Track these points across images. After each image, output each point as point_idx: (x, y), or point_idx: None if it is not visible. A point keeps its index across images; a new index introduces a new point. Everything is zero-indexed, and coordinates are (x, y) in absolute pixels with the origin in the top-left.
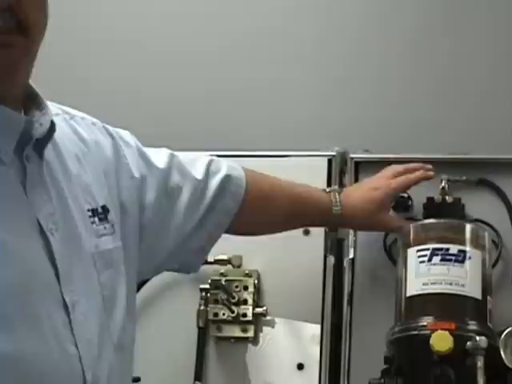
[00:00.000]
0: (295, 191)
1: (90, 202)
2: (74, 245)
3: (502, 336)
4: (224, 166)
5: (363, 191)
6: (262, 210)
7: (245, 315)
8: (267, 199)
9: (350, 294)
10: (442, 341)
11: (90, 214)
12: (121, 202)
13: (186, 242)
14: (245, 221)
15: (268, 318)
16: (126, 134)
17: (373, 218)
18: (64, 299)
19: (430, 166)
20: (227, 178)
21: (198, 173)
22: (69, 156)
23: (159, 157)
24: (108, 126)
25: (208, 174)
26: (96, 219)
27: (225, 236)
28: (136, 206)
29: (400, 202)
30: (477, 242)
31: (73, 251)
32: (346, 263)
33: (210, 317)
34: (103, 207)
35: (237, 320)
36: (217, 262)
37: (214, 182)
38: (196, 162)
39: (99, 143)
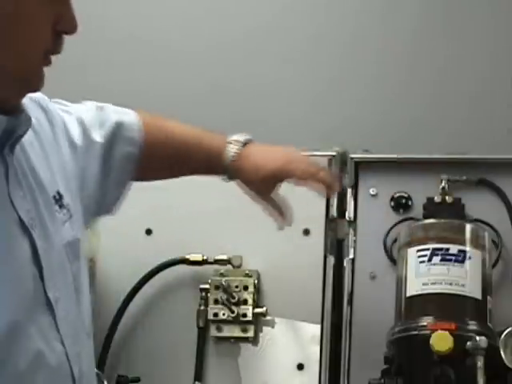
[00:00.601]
0: (182, 138)
1: (51, 190)
2: (49, 239)
3: (502, 336)
4: (113, 114)
5: (266, 158)
6: (154, 157)
7: (245, 315)
8: (159, 146)
9: (350, 294)
10: (442, 341)
11: (53, 202)
12: (67, 180)
13: (101, 198)
14: (142, 166)
15: (268, 317)
16: (42, 99)
17: (251, 186)
18: (47, 296)
19: (336, 187)
20: (118, 126)
21: (94, 130)
22: (27, 144)
23: (72, 121)
24: (34, 96)
25: (100, 125)
26: (57, 207)
27: (225, 236)
28: (77, 180)
29: (400, 202)
30: (477, 242)
31: (50, 245)
32: (346, 263)
33: (210, 317)
34: (58, 192)
35: (237, 320)
36: (217, 261)
37: (106, 135)
38: (88, 117)
39: (41, 123)
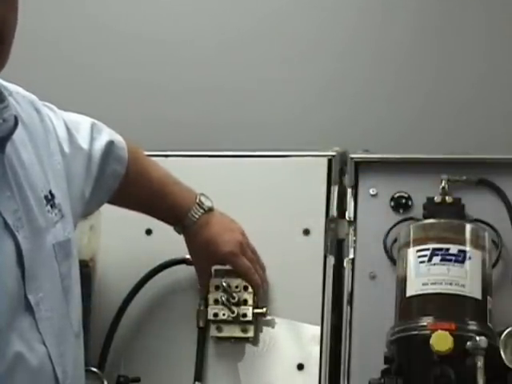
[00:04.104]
0: (151, 187)
1: (42, 189)
2: (37, 239)
3: (502, 336)
4: (105, 131)
5: (217, 238)
6: (126, 186)
7: (245, 315)
8: (134, 178)
9: (350, 294)
10: (441, 341)
11: (45, 202)
12: (58, 181)
13: (84, 209)
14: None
15: (268, 318)
16: (36, 101)
17: (196, 258)
18: (27, 298)
19: (265, 285)
20: (110, 143)
21: (83, 139)
22: (19, 143)
23: (60, 124)
24: (28, 97)
25: (92, 140)
26: (49, 207)
27: None
28: (66, 182)
29: (400, 202)
30: (477, 242)
31: (37, 246)
32: (346, 263)
33: (210, 317)
34: (50, 192)
35: (237, 320)
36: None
37: (98, 149)
38: (79, 126)
39: (34, 123)
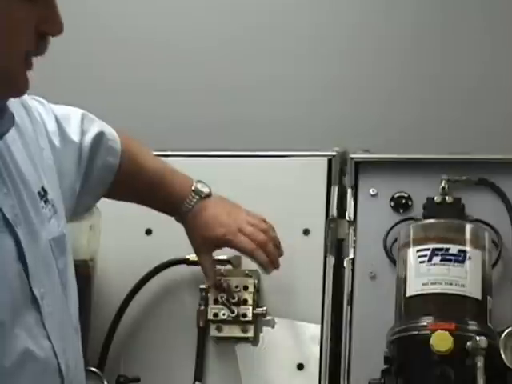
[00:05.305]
0: (149, 174)
1: (35, 185)
2: (34, 235)
3: (502, 336)
4: (96, 122)
5: (213, 220)
6: (120, 179)
7: (245, 315)
8: (128, 172)
9: (350, 294)
10: (441, 341)
11: (38, 198)
12: (50, 176)
13: (76, 203)
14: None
15: (268, 317)
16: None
17: (192, 241)
18: (33, 293)
19: (276, 263)
20: (100, 134)
21: (74, 132)
22: (10, 140)
23: (50, 119)
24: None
25: (82, 132)
26: (43, 203)
27: None
28: (57, 177)
29: (400, 202)
30: (477, 242)
31: (34, 242)
32: (345, 263)
33: (210, 317)
34: (43, 188)
35: (237, 320)
36: (217, 261)
37: (88, 141)
38: (70, 119)
39: (23, 120)
